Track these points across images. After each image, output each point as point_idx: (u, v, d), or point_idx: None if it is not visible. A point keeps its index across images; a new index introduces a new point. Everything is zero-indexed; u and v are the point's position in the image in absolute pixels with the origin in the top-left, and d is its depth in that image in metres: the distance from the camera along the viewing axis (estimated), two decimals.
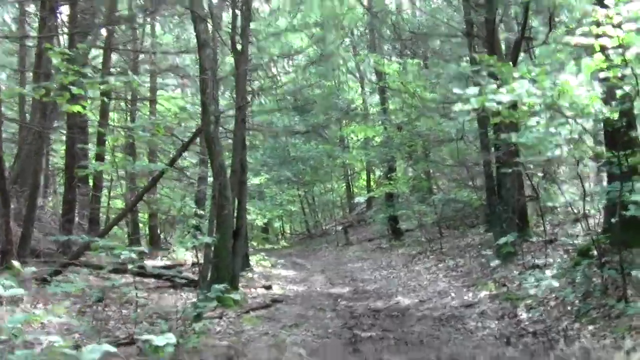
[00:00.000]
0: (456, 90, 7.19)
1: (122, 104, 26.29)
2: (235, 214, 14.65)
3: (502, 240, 11.86)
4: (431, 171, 25.18)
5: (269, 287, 15.54)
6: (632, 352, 6.74)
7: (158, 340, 5.77)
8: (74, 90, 8.74)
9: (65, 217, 18.12)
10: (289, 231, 42.91)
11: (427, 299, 12.74)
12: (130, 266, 8.62)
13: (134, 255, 8.12)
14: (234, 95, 16.18)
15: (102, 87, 8.99)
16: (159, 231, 28.81)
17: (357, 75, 30.84)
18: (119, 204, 26.49)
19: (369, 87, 32.07)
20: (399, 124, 22.89)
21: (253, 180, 27.97)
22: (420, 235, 22.12)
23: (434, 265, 17.00)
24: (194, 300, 11.10)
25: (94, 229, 20.76)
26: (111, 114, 26.51)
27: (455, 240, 20.23)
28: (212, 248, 12.74)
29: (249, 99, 16.45)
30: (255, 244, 24.22)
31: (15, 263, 7.37)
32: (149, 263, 18.77)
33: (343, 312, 12.07)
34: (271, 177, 30.59)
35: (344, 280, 17.47)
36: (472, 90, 7.03)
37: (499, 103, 7.16)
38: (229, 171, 14.02)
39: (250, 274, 17.48)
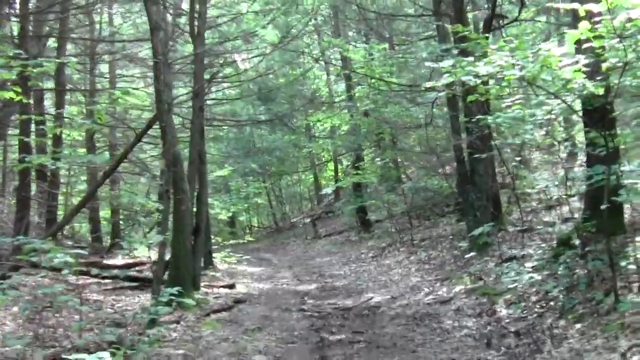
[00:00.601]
0: (429, 64, 6.46)
1: (80, 97, 25.29)
2: (195, 209, 13.83)
3: (478, 230, 11.13)
4: (399, 159, 24.49)
5: (232, 286, 14.70)
6: (629, 353, 6.05)
7: None
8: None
9: (18, 215, 17.19)
10: (256, 225, 42.06)
11: (399, 295, 12.01)
12: (65, 271, 7.75)
13: (70, 259, 7.26)
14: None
15: (35, 70, 8.18)
16: (121, 228, 28.01)
17: (322, 62, 30.06)
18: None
19: (334, 74, 31.28)
20: (366, 110, 22.10)
21: (217, 173, 27.09)
22: (390, 226, 21.41)
23: (405, 258, 16.31)
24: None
25: (51, 228, 19.83)
26: (71, 108, 25.68)
27: (426, 230, 19.58)
28: (170, 246, 11.96)
29: (207, 85, 15.53)
30: (219, 239, 23.36)
31: None
32: (109, 262, 17.98)
33: (310, 312, 11.32)
34: (236, 169, 29.72)
35: (311, 276, 16.73)
36: (447, 62, 6.26)
37: (476, 76, 6.39)
38: (186, 163, 13.26)
39: (213, 272, 16.68)
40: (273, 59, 28.69)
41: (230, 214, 29.66)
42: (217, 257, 19.95)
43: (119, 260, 19.51)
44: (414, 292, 12.12)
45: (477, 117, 8.71)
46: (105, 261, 18.46)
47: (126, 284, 14.36)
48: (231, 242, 24.62)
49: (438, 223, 20.15)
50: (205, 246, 18.04)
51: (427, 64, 6.43)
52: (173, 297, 8.41)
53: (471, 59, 6.74)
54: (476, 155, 12.68)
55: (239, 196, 31.66)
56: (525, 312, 8.57)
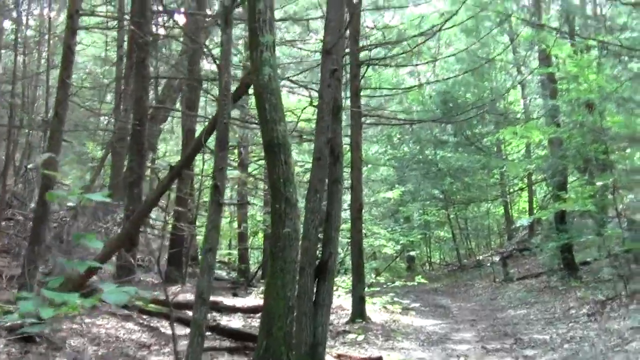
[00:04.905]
0: None
1: None
2: (323, 236, 8.92)
3: None
4: (613, 184, 18.51)
5: None
6: None
7: None
8: None
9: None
10: (438, 261, 36.87)
11: None
12: None
13: None
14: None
15: None
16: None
17: (516, 67, 25.16)
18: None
19: (532, 76, 25.87)
20: (588, 102, 16.42)
21: (384, 195, 22.65)
22: (607, 271, 15.66)
23: None
24: None
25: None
26: None
27: None
28: (264, 296, 7.43)
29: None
30: (382, 279, 18.85)
31: None
32: (231, 303, 14.15)
33: None
34: (407, 191, 25.08)
35: (502, 341, 11.49)
36: None
37: None
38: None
39: (359, 330, 11.91)
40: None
41: (399, 247, 24.90)
42: (378, 303, 15.46)
43: (250, 300, 15.61)
44: None
45: None
46: (228, 301, 14.59)
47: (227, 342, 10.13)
48: (400, 282, 19.79)
49: None
50: (355, 290, 13.63)
51: None
52: None
53: None
54: None
55: (412, 225, 26.92)
56: None
